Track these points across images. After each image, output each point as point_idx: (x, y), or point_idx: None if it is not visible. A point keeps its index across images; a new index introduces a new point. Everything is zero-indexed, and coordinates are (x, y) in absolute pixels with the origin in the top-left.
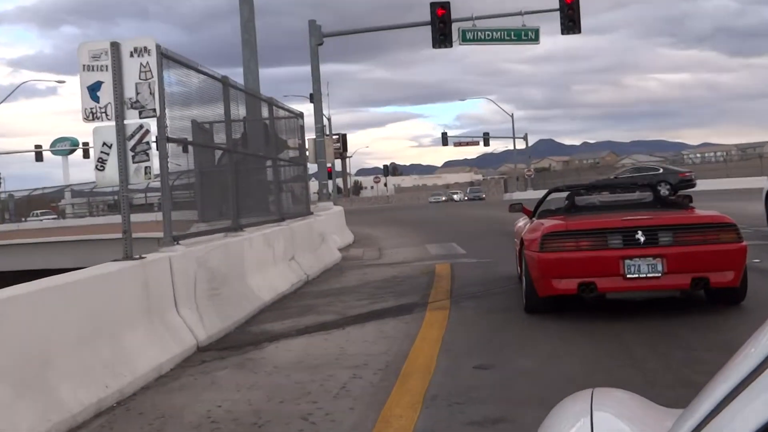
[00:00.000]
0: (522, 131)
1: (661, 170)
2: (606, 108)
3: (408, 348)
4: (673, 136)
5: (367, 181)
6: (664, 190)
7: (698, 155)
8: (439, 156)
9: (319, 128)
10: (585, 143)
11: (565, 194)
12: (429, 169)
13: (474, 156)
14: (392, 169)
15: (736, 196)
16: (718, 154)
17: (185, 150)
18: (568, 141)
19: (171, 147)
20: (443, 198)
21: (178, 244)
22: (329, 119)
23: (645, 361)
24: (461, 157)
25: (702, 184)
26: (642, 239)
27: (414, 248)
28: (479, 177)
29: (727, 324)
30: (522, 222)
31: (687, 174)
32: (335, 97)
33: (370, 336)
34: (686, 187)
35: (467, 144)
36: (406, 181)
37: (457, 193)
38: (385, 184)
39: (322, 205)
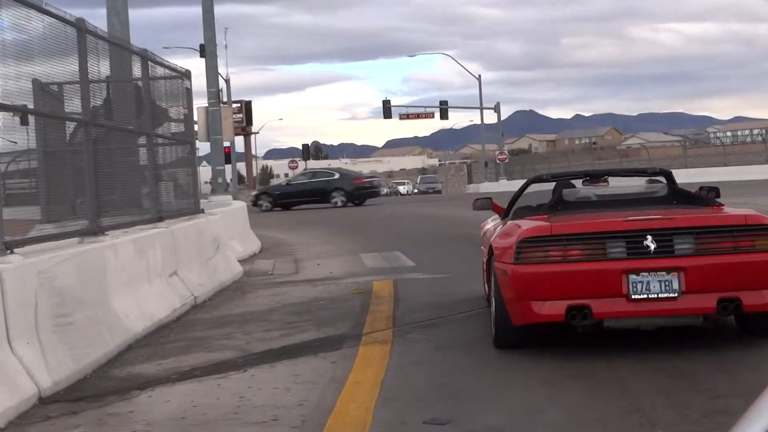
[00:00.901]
0: (493, 99)
1: (337, 175)
2: (606, 69)
3: (334, 397)
4: (695, 108)
5: (280, 166)
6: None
7: (728, 133)
8: (380, 132)
9: (214, 93)
10: (578, 116)
11: (549, 186)
12: (366, 151)
13: (427, 133)
14: (315, 151)
15: None
16: (756, 131)
17: (24, 122)
18: (554, 114)
19: (1, 117)
20: (385, 190)
21: (11, 253)
22: (228, 81)
23: (656, 412)
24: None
25: (732, 172)
26: (652, 247)
27: (344, 259)
28: (434, 162)
29: (765, 362)
30: (491, 224)
31: (365, 180)
32: (237, 49)
33: (281, 380)
34: (367, 196)
35: (418, 117)
36: (335, 166)
37: (404, 183)
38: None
39: (218, 200)
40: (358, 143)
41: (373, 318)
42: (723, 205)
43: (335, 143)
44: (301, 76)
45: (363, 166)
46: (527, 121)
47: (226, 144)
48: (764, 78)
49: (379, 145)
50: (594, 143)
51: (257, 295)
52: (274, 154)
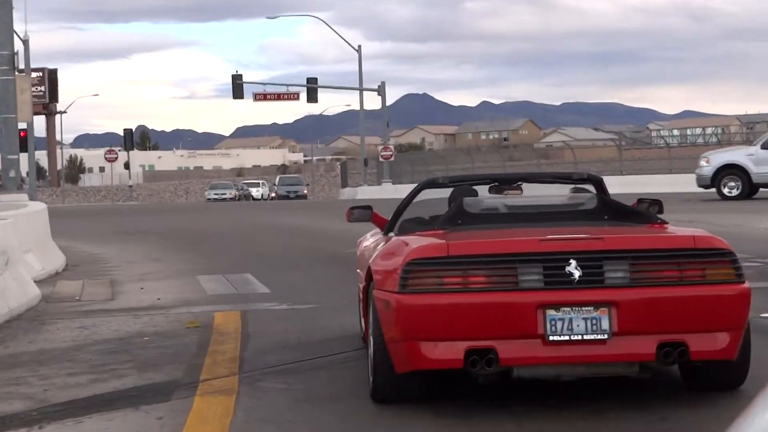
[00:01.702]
0: (376, 78)
1: None
2: (521, 45)
3: None
4: (634, 98)
5: (93, 157)
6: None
7: (675, 132)
8: (228, 117)
9: (6, 58)
10: (485, 104)
11: (447, 193)
12: (209, 140)
13: (290, 119)
14: (141, 138)
15: (740, 204)
16: (709, 130)
17: None
18: (455, 100)
19: None
20: (232, 193)
21: None
22: (26, 42)
23: None
24: (267, 121)
25: (679, 182)
26: (577, 274)
27: (176, 282)
28: (298, 157)
29: (714, 427)
30: (371, 240)
31: None
32: (38, 1)
33: None
34: None
35: (278, 98)
36: (167, 159)
37: (258, 184)
38: (127, 165)
39: (8, 200)
40: (199, 130)
41: (214, 360)
42: (667, 222)
43: (168, 129)
44: (125, 39)
45: (205, 160)
46: (420, 108)
47: (22, 126)
48: (720, 63)
49: (227, 133)
50: (506, 139)
51: (59, 327)
52: (86, 140)
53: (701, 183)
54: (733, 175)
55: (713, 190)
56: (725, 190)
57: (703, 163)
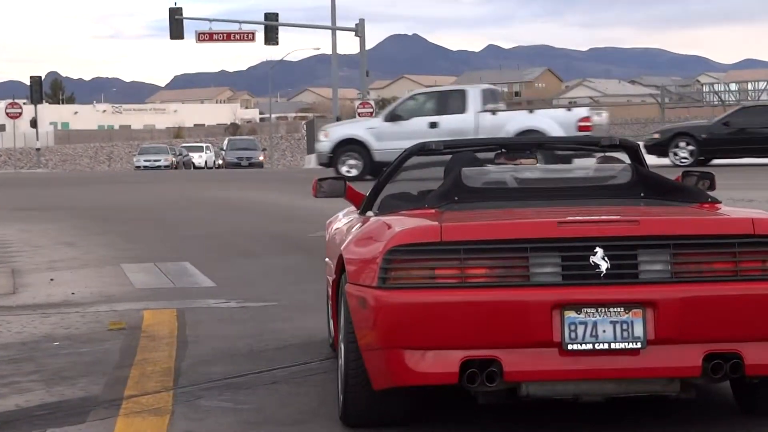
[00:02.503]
0: (353, 15)
1: None
2: None
3: None
4: (681, 44)
5: None
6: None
7: (732, 86)
8: (164, 63)
9: None
10: (492, 48)
11: (441, 161)
12: (140, 92)
13: (242, 66)
14: (52, 88)
15: None
16: None
17: None
18: (454, 43)
19: None
20: (168, 160)
21: None
22: None
23: None
24: (214, 68)
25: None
26: (604, 267)
27: (95, 272)
28: (253, 114)
29: None
30: (344, 221)
31: None
32: None
33: None
34: None
35: (228, 38)
36: (85, 116)
37: (201, 149)
38: (34, 123)
39: None
40: (127, 79)
41: (142, 372)
42: (720, 202)
43: (87, 77)
44: None
45: (133, 117)
46: (409, 52)
47: None
48: None
49: (162, 83)
50: (517, 94)
51: None
52: None
53: (321, 161)
54: (353, 152)
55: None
56: (343, 169)
57: (321, 137)
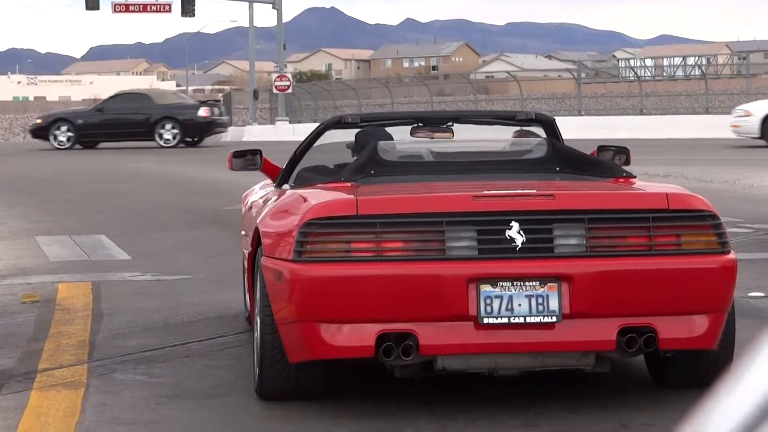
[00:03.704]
0: None
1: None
2: None
3: None
4: (596, 19)
5: None
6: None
7: (648, 61)
8: (80, 34)
9: None
10: (409, 22)
11: (359, 133)
12: (56, 63)
13: (159, 38)
14: None
15: (733, 154)
16: (691, 60)
17: None
18: (371, 16)
19: None
20: None
21: None
22: None
23: None
24: (130, 40)
25: (653, 125)
26: (519, 240)
27: (8, 244)
28: (169, 86)
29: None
30: (260, 193)
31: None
32: None
33: None
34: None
35: (144, 9)
36: (0, 87)
37: None
38: None
39: None
40: (42, 50)
41: (57, 345)
42: (635, 177)
43: (1, 48)
44: None
45: (49, 89)
46: (327, 26)
47: None
48: None
49: (78, 54)
50: (434, 68)
51: None
52: None
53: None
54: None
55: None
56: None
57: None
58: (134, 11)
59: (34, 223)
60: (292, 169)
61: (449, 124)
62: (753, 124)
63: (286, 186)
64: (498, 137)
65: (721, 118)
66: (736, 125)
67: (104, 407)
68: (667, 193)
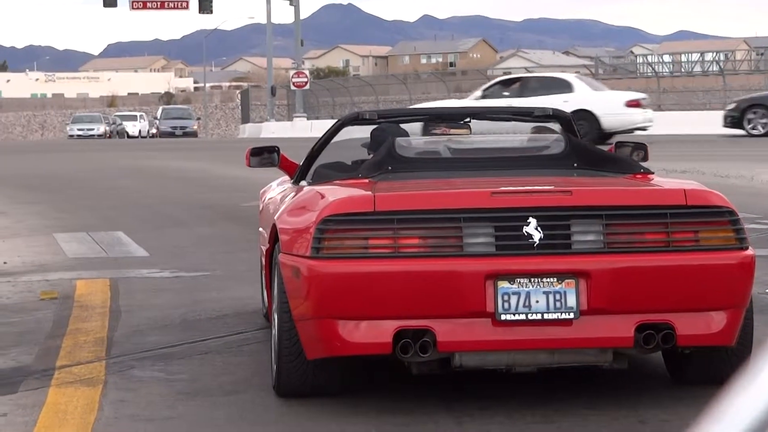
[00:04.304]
0: None
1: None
2: None
3: None
4: (614, 15)
5: None
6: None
7: (666, 57)
8: (98, 31)
9: None
10: (427, 19)
11: (374, 130)
12: (73, 60)
13: (176, 35)
14: None
15: (743, 150)
16: (709, 56)
17: None
18: (389, 13)
19: None
20: (101, 129)
21: None
22: None
23: None
24: (148, 37)
25: (670, 121)
26: (537, 236)
27: (27, 241)
28: (187, 83)
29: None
30: (278, 191)
31: (637, 102)
32: None
33: None
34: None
35: (162, 6)
36: (18, 84)
37: (135, 118)
38: None
39: None
40: (60, 47)
41: (75, 342)
42: (652, 172)
43: (20, 45)
44: None
45: (67, 86)
46: (344, 22)
47: None
48: None
49: (96, 51)
50: (452, 64)
51: None
52: None
53: None
54: None
55: None
56: None
57: None
58: (152, 8)
59: (53, 219)
60: (309, 166)
61: (466, 120)
62: None
63: (303, 182)
64: (514, 134)
65: None
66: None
67: (122, 404)
68: (684, 189)
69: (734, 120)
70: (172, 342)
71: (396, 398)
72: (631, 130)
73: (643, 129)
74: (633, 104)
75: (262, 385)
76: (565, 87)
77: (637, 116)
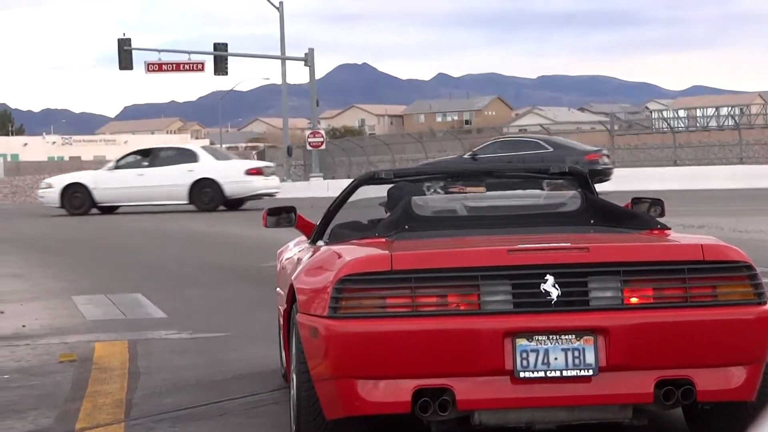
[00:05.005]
0: (303, 45)
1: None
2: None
3: None
4: (629, 71)
5: None
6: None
7: (681, 112)
8: (114, 94)
9: None
10: (442, 77)
11: (391, 188)
12: (90, 123)
13: (193, 97)
14: (1, 120)
15: (761, 204)
16: (724, 110)
17: None
18: (404, 71)
19: None
20: None
21: None
22: None
23: None
24: (164, 99)
25: (686, 176)
26: (555, 293)
27: (46, 304)
28: (203, 144)
29: None
30: (295, 251)
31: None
32: None
33: None
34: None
35: (178, 69)
36: (35, 147)
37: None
38: None
39: None
40: (76, 110)
41: (94, 404)
42: (669, 228)
43: (36, 109)
44: None
45: (84, 149)
46: (359, 81)
47: None
48: (737, 25)
49: (112, 114)
50: (467, 122)
51: None
52: None
53: None
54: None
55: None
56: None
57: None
58: (167, 70)
59: (70, 282)
60: (326, 226)
61: (482, 179)
62: (54, 196)
63: (320, 242)
64: (531, 191)
65: (756, 168)
66: (42, 197)
67: None
68: (702, 245)
69: None
70: (191, 403)
71: None
72: (257, 197)
73: (270, 195)
74: (253, 172)
75: None
76: (191, 157)
77: (258, 183)
